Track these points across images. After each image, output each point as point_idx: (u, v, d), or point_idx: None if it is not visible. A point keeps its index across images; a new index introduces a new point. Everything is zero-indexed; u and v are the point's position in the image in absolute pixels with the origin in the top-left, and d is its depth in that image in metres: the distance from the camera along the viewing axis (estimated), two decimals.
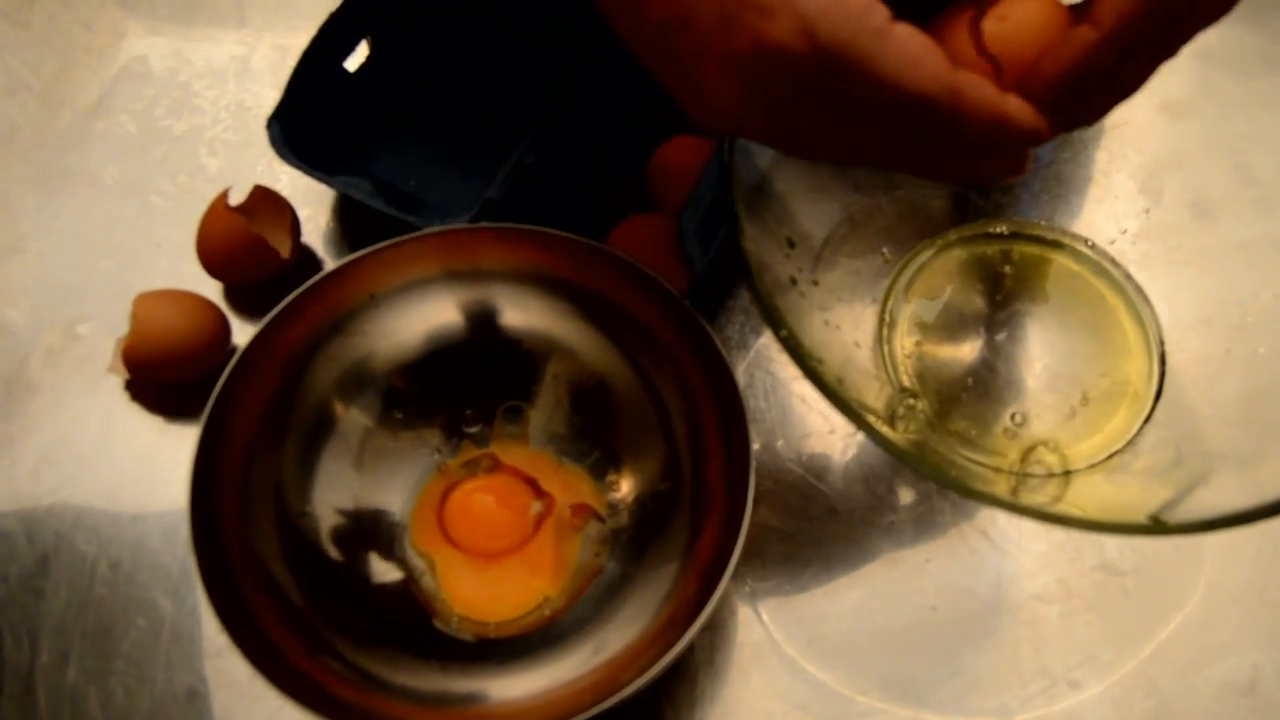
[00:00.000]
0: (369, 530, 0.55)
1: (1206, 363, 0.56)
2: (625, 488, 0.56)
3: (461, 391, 0.58)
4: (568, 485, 0.56)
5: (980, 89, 0.35)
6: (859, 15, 0.34)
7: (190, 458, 0.50)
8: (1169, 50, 0.37)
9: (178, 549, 0.57)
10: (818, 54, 0.35)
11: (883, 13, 0.34)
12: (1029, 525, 0.56)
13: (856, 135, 0.37)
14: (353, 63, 0.66)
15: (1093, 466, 0.54)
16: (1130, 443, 0.55)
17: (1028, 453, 0.55)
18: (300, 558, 0.52)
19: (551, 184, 0.62)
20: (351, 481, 0.55)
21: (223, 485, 0.51)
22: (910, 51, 0.34)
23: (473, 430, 0.58)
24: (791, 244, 0.53)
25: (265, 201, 0.63)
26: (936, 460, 0.53)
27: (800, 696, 0.53)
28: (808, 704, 0.53)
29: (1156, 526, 0.44)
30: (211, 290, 0.62)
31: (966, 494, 0.44)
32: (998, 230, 0.61)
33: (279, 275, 0.62)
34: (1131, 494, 0.53)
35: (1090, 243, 0.60)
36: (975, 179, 0.39)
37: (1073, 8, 0.38)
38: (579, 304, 0.56)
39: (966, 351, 0.58)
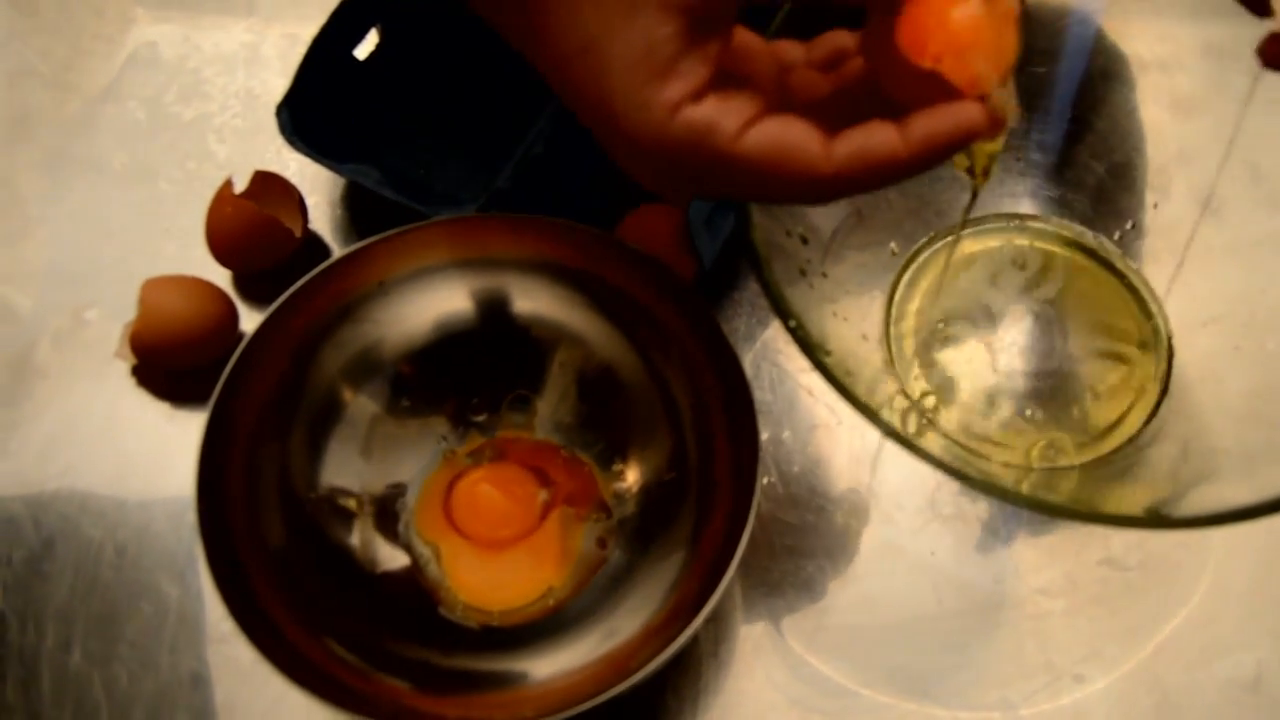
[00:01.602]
0: (375, 517, 0.55)
1: (1214, 359, 0.56)
2: (631, 478, 0.56)
3: (469, 380, 0.58)
4: (573, 474, 0.57)
5: (866, 155, 0.34)
6: (704, 137, 0.34)
7: (197, 443, 0.50)
8: None
9: (183, 534, 0.57)
10: (675, 161, 0.35)
11: (732, 121, 0.34)
12: (1034, 519, 0.57)
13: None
14: (362, 51, 0.66)
15: (1099, 461, 0.54)
16: (1137, 438, 0.55)
17: (1035, 447, 0.55)
18: (306, 544, 0.53)
19: (560, 174, 0.62)
20: (358, 468, 0.55)
21: (229, 471, 0.51)
22: (769, 156, 0.34)
23: (479, 419, 0.58)
24: (805, 240, 0.53)
25: (268, 185, 0.63)
26: (945, 453, 0.53)
27: (804, 689, 0.54)
28: (811, 696, 0.53)
29: (1161, 520, 0.44)
30: (219, 277, 0.62)
31: (974, 487, 0.44)
32: (1005, 224, 0.61)
33: (288, 261, 0.62)
34: (1137, 488, 0.53)
35: (1098, 238, 0.60)
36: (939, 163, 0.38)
37: None
38: (587, 293, 0.56)
39: (973, 345, 0.58)
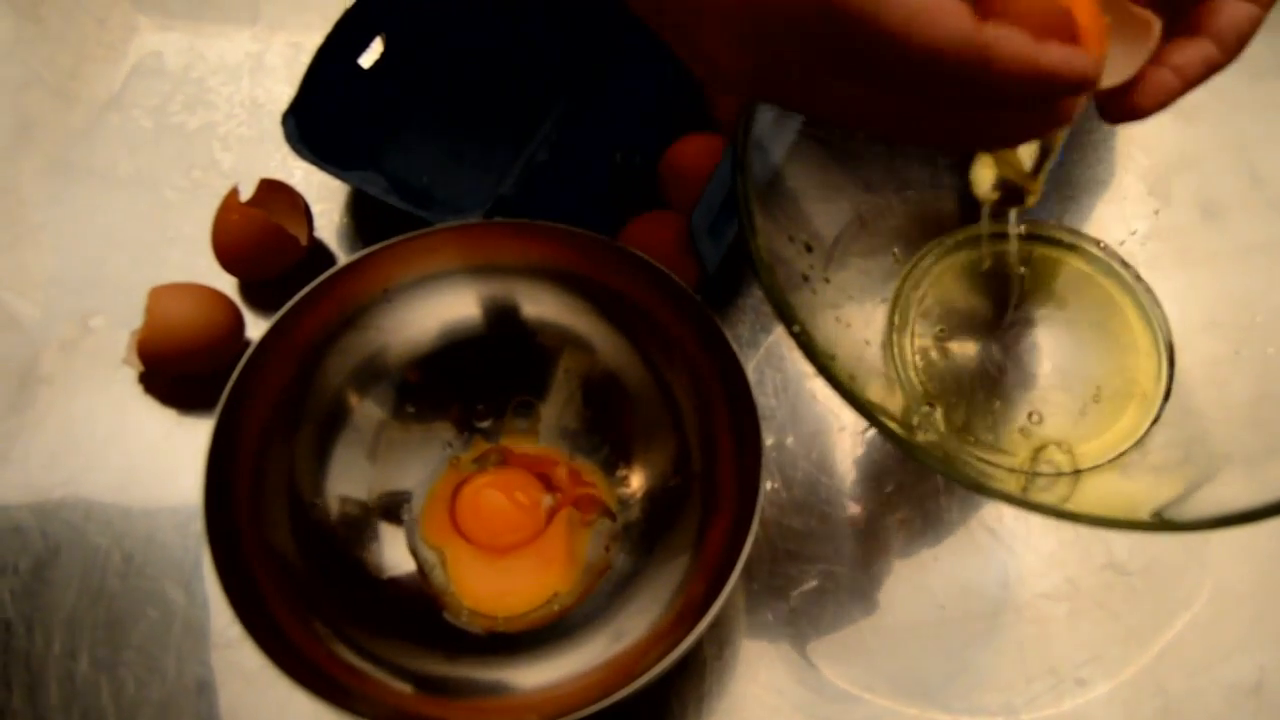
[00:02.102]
0: (381, 523, 0.55)
1: (1215, 364, 0.56)
2: (636, 483, 0.56)
3: (473, 386, 0.58)
4: (578, 480, 0.57)
5: (1013, 42, 0.32)
6: None
7: (204, 450, 0.50)
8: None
9: (189, 541, 0.58)
10: (816, 9, 0.32)
11: None
12: (1037, 524, 0.57)
13: (879, 100, 0.35)
14: (367, 59, 0.66)
15: (1101, 465, 0.54)
16: (1139, 442, 0.55)
17: (1038, 452, 0.55)
18: (312, 549, 0.53)
19: (564, 181, 0.62)
20: (364, 474, 0.56)
21: (236, 477, 0.51)
22: (925, 6, 0.31)
23: (484, 425, 0.58)
24: (809, 248, 0.54)
25: (274, 193, 0.63)
26: (947, 457, 0.53)
27: (806, 693, 0.54)
28: (814, 701, 0.54)
29: (1163, 524, 0.44)
30: (225, 285, 0.63)
31: (977, 491, 0.45)
32: (1007, 231, 0.61)
33: (294, 268, 0.62)
34: (1139, 492, 0.53)
35: (1101, 244, 0.60)
36: (1016, 139, 0.37)
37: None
38: (592, 299, 0.56)
39: (975, 350, 0.58)
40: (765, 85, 0.37)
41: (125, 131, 0.71)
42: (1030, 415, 0.56)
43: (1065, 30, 0.34)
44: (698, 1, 0.35)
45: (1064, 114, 0.35)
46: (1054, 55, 0.32)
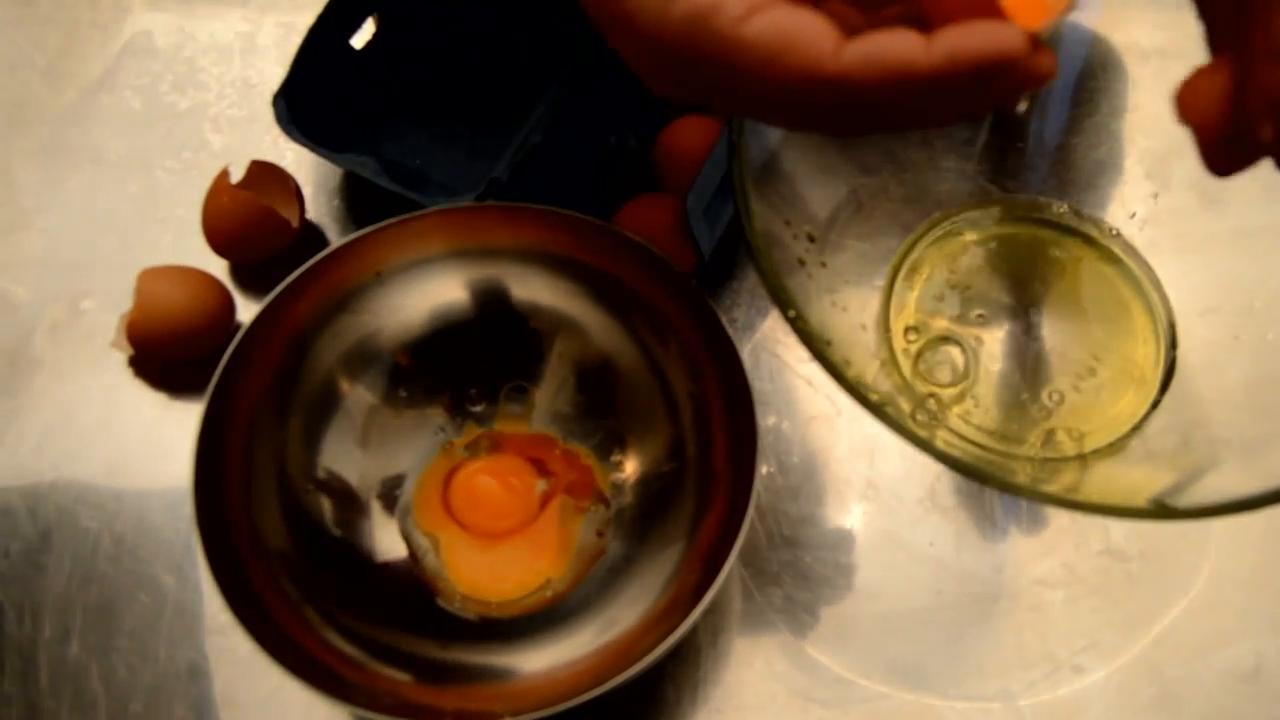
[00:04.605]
0: (373, 508, 0.55)
1: (1214, 349, 0.56)
2: (630, 468, 0.56)
3: (466, 370, 0.58)
4: (572, 465, 0.56)
5: (882, 60, 0.30)
6: (706, 18, 0.30)
7: (194, 434, 0.49)
8: None
9: (180, 525, 0.57)
10: (674, 47, 0.32)
11: (738, 4, 0.30)
12: (1033, 509, 0.57)
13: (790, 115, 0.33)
14: (359, 40, 0.66)
15: (1099, 451, 0.54)
16: (1137, 428, 0.55)
17: (1036, 437, 0.55)
18: (303, 535, 0.53)
19: (558, 163, 0.62)
20: (356, 459, 0.55)
21: (226, 461, 0.51)
22: (767, 46, 0.30)
23: (477, 409, 0.58)
24: (808, 235, 0.53)
25: (265, 175, 0.62)
26: (943, 444, 0.53)
27: (802, 679, 0.54)
28: (809, 687, 0.53)
29: (1162, 511, 0.44)
30: (216, 267, 0.62)
31: (974, 478, 0.44)
32: (1004, 214, 0.61)
33: (285, 251, 0.62)
34: (1137, 479, 0.53)
35: (1099, 227, 0.60)
36: (979, 113, 0.34)
37: None
38: (586, 283, 0.56)
39: (972, 334, 0.58)
40: (677, 93, 0.35)
41: (115, 112, 0.70)
42: (1027, 400, 0.56)
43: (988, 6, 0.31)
44: (603, 20, 0.34)
45: (1031, 79, 0.31)
46: (945, 43, 0.30)
